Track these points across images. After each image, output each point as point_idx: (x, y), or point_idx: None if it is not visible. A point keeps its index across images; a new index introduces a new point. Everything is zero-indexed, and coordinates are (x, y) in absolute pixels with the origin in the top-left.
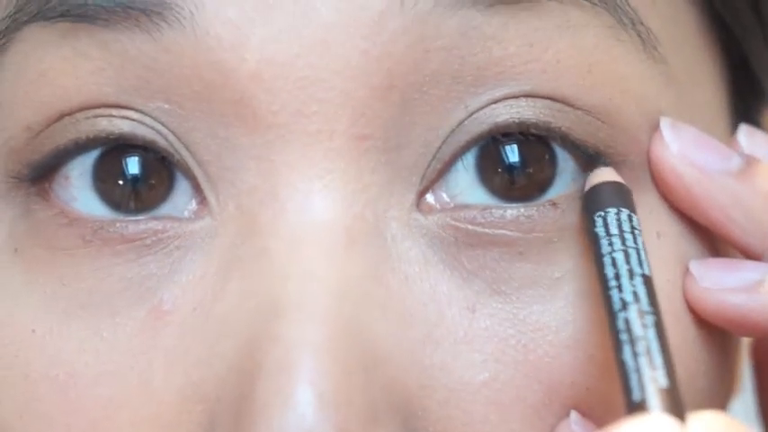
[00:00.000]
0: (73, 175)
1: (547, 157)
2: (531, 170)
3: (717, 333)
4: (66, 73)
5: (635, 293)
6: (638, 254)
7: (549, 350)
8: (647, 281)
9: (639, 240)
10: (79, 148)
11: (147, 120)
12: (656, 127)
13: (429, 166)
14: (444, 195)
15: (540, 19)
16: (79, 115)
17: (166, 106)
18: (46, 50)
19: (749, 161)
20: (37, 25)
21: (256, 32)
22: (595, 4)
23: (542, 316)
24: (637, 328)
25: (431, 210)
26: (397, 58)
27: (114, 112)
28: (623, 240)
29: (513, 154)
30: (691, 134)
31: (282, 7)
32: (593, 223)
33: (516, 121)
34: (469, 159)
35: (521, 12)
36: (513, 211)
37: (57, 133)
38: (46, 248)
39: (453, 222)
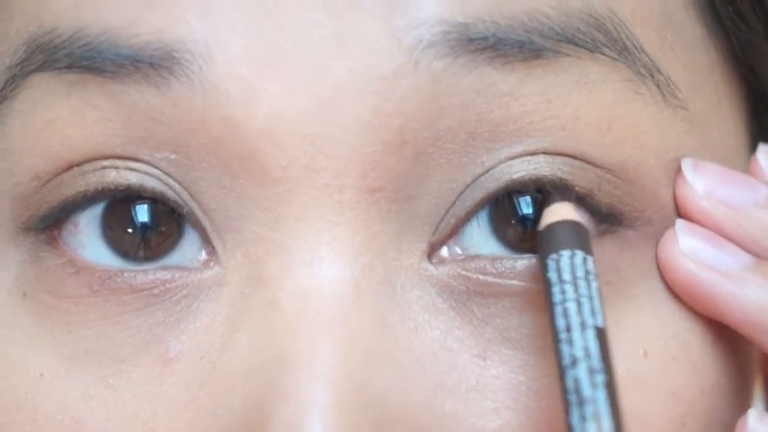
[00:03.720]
0: (81, 223)
1: None
2: None
3: (735, 375)
4: (74, 123)
5: (586, 349)
6: (592, 302)
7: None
8: (601, 334)
9: (594, 287)
10: (87, 200)
11: (155, 171)
12: (676, 175)
13: (443, 219)
14: (457, 248)
15: (557, 75)
16: (87, 166)
17: (173, 156)
18: (54, 99)
19: None
20: (45, 74)
21: (266, 88)
22: (614, 59)
23: (553, 362)
24: (585, 389)
25: (442, 261)
26: (410, 116)
27: (121, 163)
28: (576, 287)
29: (526, 206)
30: (713, 171)
31: (293, 64)
32: (545, 268)
33: (533, 177)
34: (483, 210)
35: (537, 68)
36: (523, 261)
37: (65, 184)
38: (54, 295)
39: (464, 272)
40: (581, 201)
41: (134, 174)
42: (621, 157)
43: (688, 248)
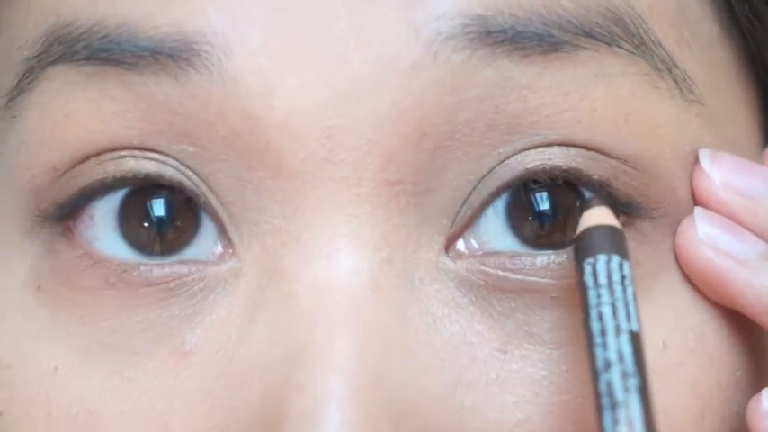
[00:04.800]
0: (97, 215)
1: (578, 204)
2: (561, 217)
3: (751, 368)
4: (92, 115)
5: (619, 352)
6: (627, 307)
7: (582, 390)
8: (635, 338)
9: (629, 291)
10: (105, 187)
11: (172, 161)
12: (692, 168)
13: (460, 211)
14: (474, 242)
15: (575, 68)
16: (105, 156)
17: (191, 149)
18: (72, 91)
19: None
20: (63, 66)
21: (286, 81)
22: (632, 53)
23: (575, 356)
24: (618, 393)
25: (460, 256)
26: (429, 109)
27: (139, 153)
28: (612, 292)
29: (543, 202)
30: (730, 162)
31: (312, 57)
32: (581, 271)
33: (548, 167)
34: (499, 206)
35: (556, 61)
36: (543, 258)
37: (83, 173)
38: (69, 288)
39: (483, 268)
40: (598, 190)
41: (152, 163)
42: (638, 148)
43: (706, 236)
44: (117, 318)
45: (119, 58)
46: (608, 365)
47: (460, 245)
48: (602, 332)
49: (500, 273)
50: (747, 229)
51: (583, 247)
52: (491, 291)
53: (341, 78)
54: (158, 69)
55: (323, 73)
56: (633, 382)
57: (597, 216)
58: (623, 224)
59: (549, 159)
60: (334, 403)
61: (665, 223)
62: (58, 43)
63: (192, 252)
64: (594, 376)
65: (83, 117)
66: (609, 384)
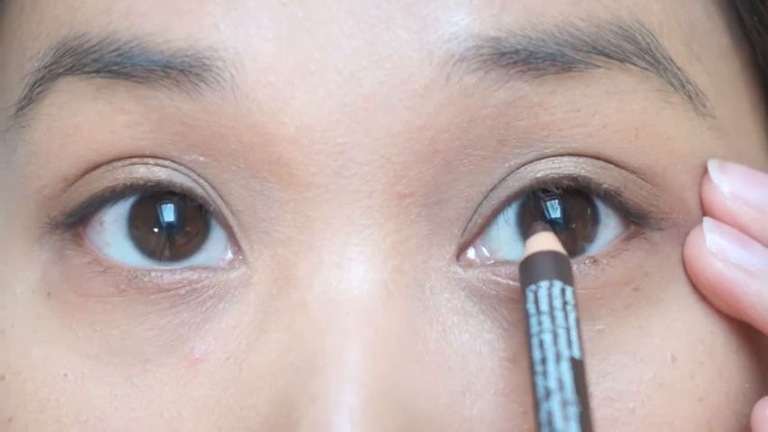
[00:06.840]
0: (107, 221)
1: (589, 212)
2: (573, 226)
3: (759, 381)
4: (102, 126)
5: (560, 380)
6: (569, 334)
7: (589, 402)
8: (576, 365)
9: (572, 318)
10: (116, 194)
11: (184, 169)
12: (702, 180)
13: (471, 220)
14: (485, 250)
15: (587, 85)
16: (116, 163)
17: (202, 159)
18: (81, 103)
19: None
20: (73, 78)
21: (297, 98)
22: (645, 69)
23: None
24: (558, 422)
25: (471, 264)
26: (442, 128)
27: (150, 160)
28: (553, 319)
29: (554, 210)
30: (740, 172)
31: (324, 75)
32: (524, 298)
33: (557, 176)
34: (510, 215)
35: (568, 80)
36: None
37: (93, 180)
38: (79, 294)
39: (494, 277)
40: (608, 199)
41: (163, 170)
42: (648, 161)
43: (715, 247)
44: (128, 325)
45: (130, 72)
46: (548, 394)
47: (471, 253)
48: (543, 360)
49: (510, 282)
50: (756, 239)
51: (525, 273)
52: (501, 300)
53: (353, 96)
54: (170, 83)
55: (334, 90)
56: (573, 410)
57: (540, 242)
58: (633, 235)
59: (559, 168)
60: (346, 414)
61: (674, 234)
62: (69, 55)
63: (201, 258)
64: (535, 406)
65: (93, 129)
66: (549, 414)
